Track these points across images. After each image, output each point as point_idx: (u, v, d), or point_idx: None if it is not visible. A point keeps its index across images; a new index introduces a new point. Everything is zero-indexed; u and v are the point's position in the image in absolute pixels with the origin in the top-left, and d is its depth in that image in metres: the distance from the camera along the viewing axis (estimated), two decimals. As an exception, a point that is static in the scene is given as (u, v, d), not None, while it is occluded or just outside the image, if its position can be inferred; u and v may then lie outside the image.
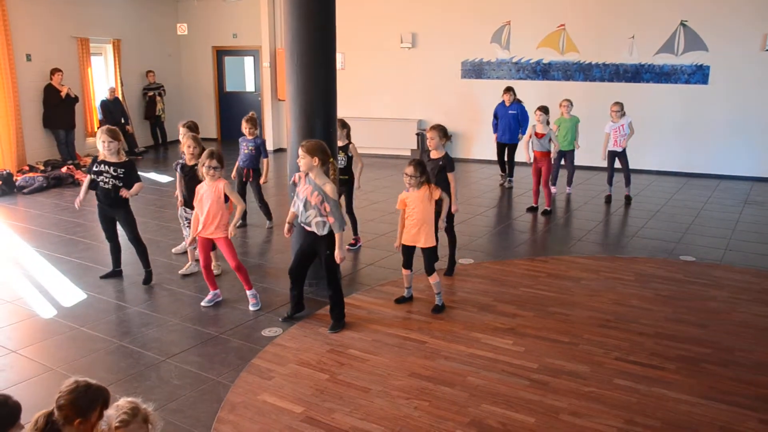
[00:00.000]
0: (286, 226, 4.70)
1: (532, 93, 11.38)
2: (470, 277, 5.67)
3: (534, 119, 8.04)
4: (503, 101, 9.51)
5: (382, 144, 12.43)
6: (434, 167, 5.44)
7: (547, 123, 7.95)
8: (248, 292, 5.02)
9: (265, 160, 7.15)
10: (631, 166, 8.76)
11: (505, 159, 9.58)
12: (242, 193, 7.05)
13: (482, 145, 11.07)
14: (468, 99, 11.91)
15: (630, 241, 7.00)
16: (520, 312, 4.92)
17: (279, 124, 13.29)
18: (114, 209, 5.46)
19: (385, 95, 12.48)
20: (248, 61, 14.40)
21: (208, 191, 4.86)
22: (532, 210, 8.05)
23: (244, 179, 7.18)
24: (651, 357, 4.19)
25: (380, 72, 12.45)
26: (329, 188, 4.40)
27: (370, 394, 3.75)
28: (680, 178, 10.36)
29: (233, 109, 14.41)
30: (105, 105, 12.07)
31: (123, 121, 12.23)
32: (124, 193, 5.32)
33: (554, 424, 3.44)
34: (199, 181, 5.10)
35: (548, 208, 7.97)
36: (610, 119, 8.57)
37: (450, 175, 5.48)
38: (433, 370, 4.03)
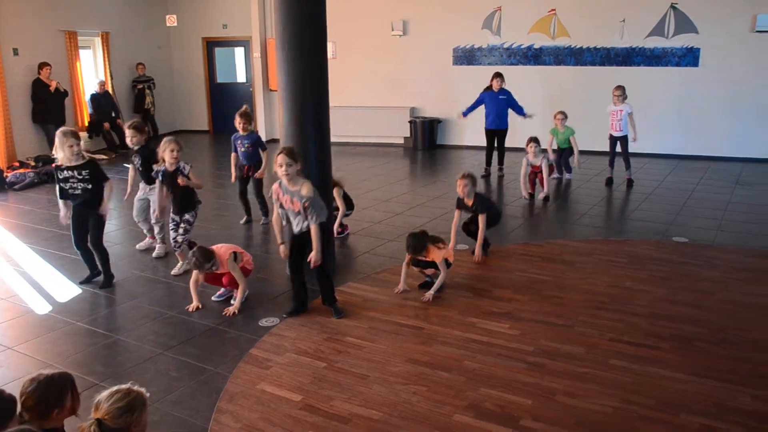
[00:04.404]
0: (281, 248, 4.65)
1: (524, 78, 11.40)
2: (465, 262, 5.69)
3: (528, 151, 7.96)
4: (491, 89, 9.44)
5: (376, 132, 12.42)
6: (471, 213, 5.74)
7: (541, 151, 8.04)
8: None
9: (264, 152, 6.93)
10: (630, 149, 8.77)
11: (495, 146, 9.54)
12: (243, 192, 7.04)
13: (474, 131, 11.06)
14: (460, 85, 11.88)
15: (624, 224, 7.04)
16: (515, 296, 4.95)
17: (271, 114, 13.24)
18: (89, 211, 5.22)
19: (377, 83, 12.45)
20: (239, 51, 14.33)
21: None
22: (531, 197, 7.99)
23: (244, 176, 6.99)
24: (645, 337, 4.23)
25: (372, 60, 12.42)
26: (306, 190, 4.36)
27: (368, 380, 3.77)
28: (672, 161, 10.39)
29: (225, 100, 14.36)
30: (95, 99, 12.01)
31: (114, 114, 12.18)
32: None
33: (550, 406, 3.47)
34: (178, 186, 5.21)
35: (547, 195, 7.95)
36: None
37: (481, 217, 5.66)
38: (431, 356, 4.05)
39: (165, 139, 5.53)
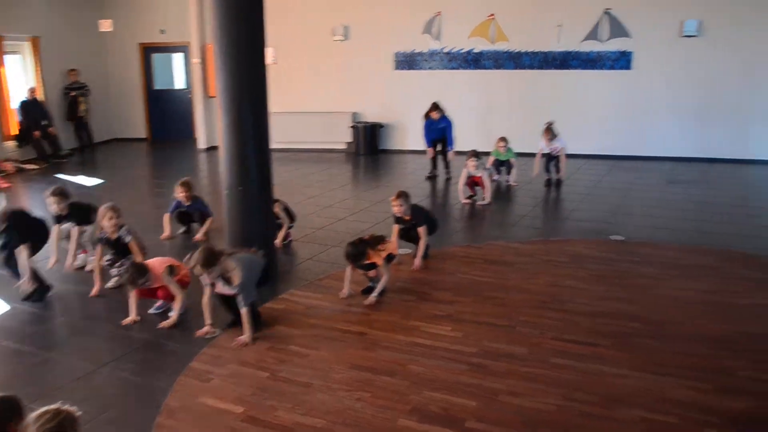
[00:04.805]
0: (206, 328, 4.45)
1: (464, 82, 11.55)
2: (408, 266, 5.68)
3: (468, 165, 8.06)
4: (431, 118, 9.46)
5: (318, 138, 12.35)
6: (410, 227, 5.74)
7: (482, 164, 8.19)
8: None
9: (210, 219, 6.76)
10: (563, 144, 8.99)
11: (439, 150, 9.61)
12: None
13: (417, 136, 11.10)
14: (402, 90, 11.95)
15: (563, 224, 7.18)
16: (457, 298, 4.97)
17: (211, 121, 12.98)
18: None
19: (319, 89, 12.39)
20: (177, 57, 14.03)
21: None
22: (471, 198, 8.08)
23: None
24: (586, 335, 4.30)
25: (313, 66, 12.35)
26: (236, 278, 4.26)
27: (312, 388, 3.72)
28: (608, 161, 10.67)
29: (163, 107, 14.06)
30: (24, 106, 11.54)
31: (45, 122, 11.74)
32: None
33: (494, 406, 3.49)
34: (126, 251, 5.05)
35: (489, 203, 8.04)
36: (543, 141, 8.85)
37: (420, 229, 5.68)
38: (374, 361, 4.02)
39: (102, 207, 5.26)
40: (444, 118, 9.40)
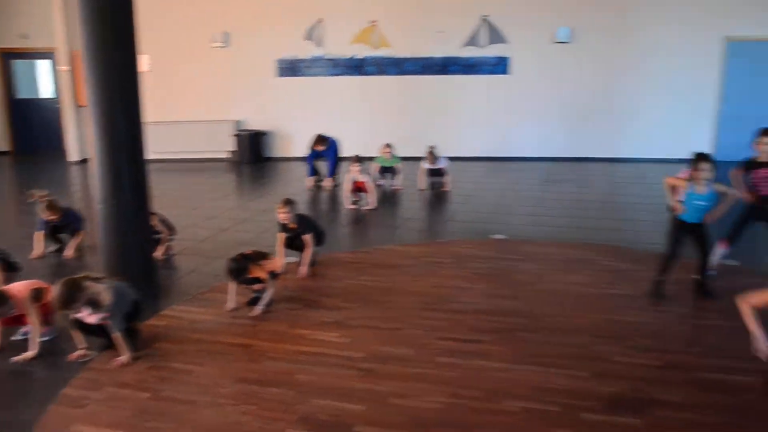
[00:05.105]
0: (79, 352, 4.19)
1: (347, 88, 11.61)
2: (294, 274, 5.60)
3: (351, 170, 8.10)
4: (316, 150, 9.44)
5: (199, 147, 11.98)
6: (295, 236, 5.66)
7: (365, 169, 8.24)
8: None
9: (80, 233, 6.42)
10: (444, 154, 9.21)
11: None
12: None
13: (301, 143, 11.02)
14: (285, 97, 11.84)
15: (447, 226, 7.35)
16: (345, 304, 4.95)
17: (82, 131, 12.29)
18: None
19: (199, 97, 12.03)
20: (43, 64, 13.18)
21: None
22: (356, 204, 8.12)
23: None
24: (470, 332, 4.40)
25: (192, 73, 11.98)
26: (103, 299, 4.00)
27: (197, 406, 3.57)
28: (489, 163, 11.07)
29: (28, 117, 13.16)
30: None
31: None
32: None
33: (384, 409, 3.49)
34: None
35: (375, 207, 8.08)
36: (426, 162, 9.04)
37: (306, 237, 5.63)
38: (260, 373, 3.93)
39: None
40: (329, 149, 9.40)
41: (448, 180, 9.02)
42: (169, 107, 11.81)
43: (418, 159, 9.29)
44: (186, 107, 12.03)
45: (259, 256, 4.92)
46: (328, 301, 5.04)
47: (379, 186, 8.91)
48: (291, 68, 11.85)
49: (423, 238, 6.80)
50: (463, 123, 11.40)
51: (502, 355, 4.07)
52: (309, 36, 11.68)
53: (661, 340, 4.30)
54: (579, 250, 6.18)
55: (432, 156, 9.00)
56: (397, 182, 9.14)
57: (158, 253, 5.96)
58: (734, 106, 10.49)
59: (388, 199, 8.69)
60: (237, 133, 11.80)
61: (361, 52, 11.62)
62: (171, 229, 6.35)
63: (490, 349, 4.17)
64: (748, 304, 3.32)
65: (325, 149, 9.40)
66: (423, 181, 9.08)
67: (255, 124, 12.06)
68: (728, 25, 10.31)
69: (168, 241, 6.24)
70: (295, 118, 11.80)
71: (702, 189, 4.70)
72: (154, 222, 5.92)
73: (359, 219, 7.71)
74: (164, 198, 8.50)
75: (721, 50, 10.48)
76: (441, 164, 9.04)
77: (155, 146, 11.72)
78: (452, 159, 9.56)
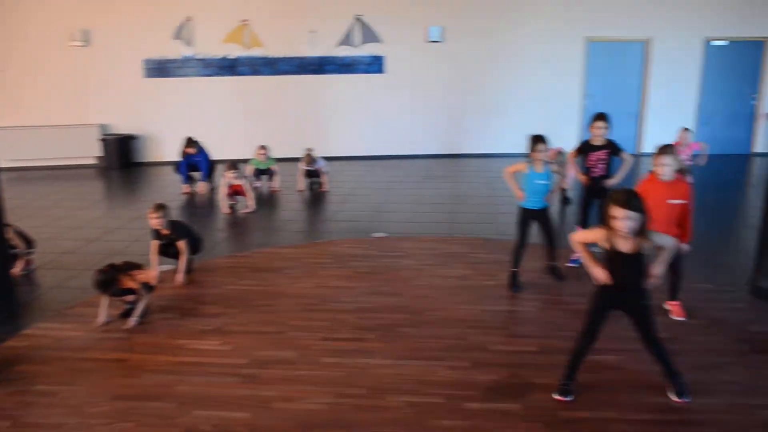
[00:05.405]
0: None
1: (221, 89, 11.31)
2: (170, 282, 5.38)
3: (226, 176, 7.90)
4: (188, 154, 9.10)
5: (61, 153, 11.19)
6: (169, 243, 5.45)
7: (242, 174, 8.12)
8: None
9: None
10: (323, 154, 9.21)
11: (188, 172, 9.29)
12: None
13: (174, 146, 10.61)
14: (155, 99, 11.33)
15: (327, 226, 7.34)
16: (224, 310, 4.82)
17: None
18: None
19: (58, 99, 11.23)
20: None
21: None
22: (233, 208, 7.92)
23: None
24: (353, 331, 4.43)
25: (50, 74, 11.15)
26: None
27: (65, 429, 3.35)
28: (368, 162, 11.17)
29: None
30: None
31: None
32: None
33: (268, 414, 3.44)
34: None
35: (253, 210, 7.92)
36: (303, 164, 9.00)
37: (180, 243, 5.44)
38: (138, 388, 3.74)
39: None
40: (201, 153, 9.12)
41: (326, 180, 9.03)
42: (24, 110, 10.97)
43: (296, 160, 9.22)
44: (44, 111, 11.17)
45: (131, 267, 4.69)
46: (206, 308, 4.89)
47: (256, 188, 8.75)
48: (160, 69, 11.36)
49: (303, 240, 6.75)
50: (341, 122, 11.44)
51: (386, 352, 4.12)
52: (178, 35, 11.25)
53: (534, 327, 4.54)
54: (456, 244, 6.37)
55: (309, 158, 8.97)
56: (275, 184, 9.03)
57: (16, 269, 5.54)
58: (596, 101, 11.24)
59: (267, 201, 8.55)
60: (104, 137, 11.16)
61: (234, 52, 11.35)
62: (29, 242, 5.90)
63: (373, 346, 4.21)
64: (578, 241, 3.54)
65: (197, 153, 9.11)
66: (302, 182, 9.03)
67: (123, 127, 11.46)
68: (588, 27, 11.04)
69: (26, 255, 5.80)
70: (166, 121, 11.33)
71: (540, 168, 5.03)
72: (9, 235, 5.49)
73: (237, 223, 7.54)
74: (23, 209, 7.93)
75: (583, 50, 11.18)
76: (319, 165, 9.04)
77: (7, 153, 10.93)
78: (331, 159, 9.59)
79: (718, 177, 9.30)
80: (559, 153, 7.44)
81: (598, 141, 5.44)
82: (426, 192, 8.85)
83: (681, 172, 4.50)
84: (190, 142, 9.12)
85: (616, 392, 3.63)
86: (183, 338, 4.37)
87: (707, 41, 11.17)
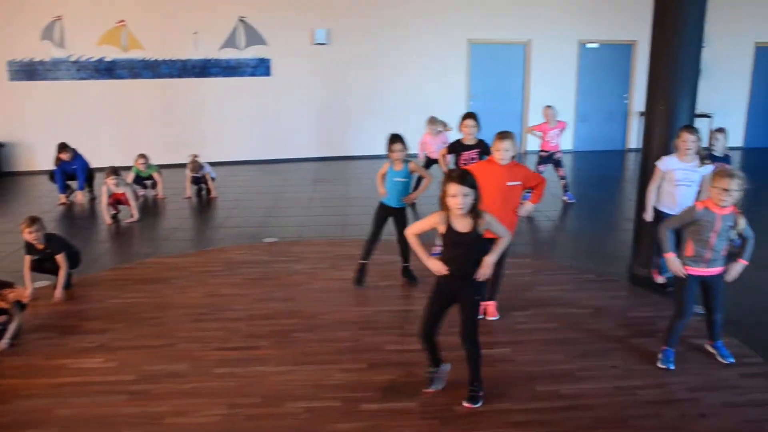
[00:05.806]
0: None
1: (97, 93, 10.77)
2: (47, 299, 5.06)
3: (108, 183, 7.52)
4: (63, 160, 8.60)
5: None
6: (45, 257, 5.15)
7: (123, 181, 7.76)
8: None
9: None
10: (212, 159, 9.02)
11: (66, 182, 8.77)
12: None
13: (47, 154, 10.00)
14: (23, 104, 10.62)
15: (216, 233, 7.16)
16: (109, 326, 4.59)
17: None
18: None
19: None
20: None
21: None
22: (115, 218, 7.56)
23: None
24: (246, 339, 4.35)
25: None
26: None
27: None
28: (256, 166, 11.01)
29: None
30: None
31: None
32: None
33: (159, 431, 3.31)
34: None
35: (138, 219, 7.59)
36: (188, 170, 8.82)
37: (59, 257, 5.16)
38: (10, 415, 3.48)
39: None
40: (77, 158, 8.62)
41: (213, 186, 8.81)
42: None
43: (182, 166, 8.94)
44: None
45: (0, 285, 4.37)
46: (89, 324, 4.63)
47: (140, 197, 8.39)
48: (27, 71, 10.64)
49: (192, 248, 6.55)
50: (227, 127, 11.19)
51: (280, 358, 4.08)
52: (47, 35, 10.59)
53: (426, 325, 4.62)
54: (346, 246, 6.39)
55: (195, 164, 8.72)
56: (159, 191, 8.70)
57: None
58: (481, 102, 11.64)
59: (152, 209, 8.23)
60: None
61: (110, 54, 10.83)
62: None
63: (267, 353, 4.15)
64: (412, 233, 3.63)
65: (73, 160, 8.61)
66: (189, 189, 8.76)
67: (-12, 135, 10.67)
68: (470, 29, 11.42)
69: None
70: (37, 128, 10.64)
71: (398, 166, 5.19)
72: None
73: (120, 233, 7.20)
74: None
75: (466, 51, 11.55)
76: (205, 171, 8.81)
77: None
78: (220, 164, 9.38)
79: (598, 172, 9.91)
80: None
81: (469, 140, 5.60)
82: (316, 195, 8.84)
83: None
84: (63, 147, 8.61)
85: (511, 384, 3.76)
86: (62, 358, 4.11)
87: (581, 44, 11.87)
